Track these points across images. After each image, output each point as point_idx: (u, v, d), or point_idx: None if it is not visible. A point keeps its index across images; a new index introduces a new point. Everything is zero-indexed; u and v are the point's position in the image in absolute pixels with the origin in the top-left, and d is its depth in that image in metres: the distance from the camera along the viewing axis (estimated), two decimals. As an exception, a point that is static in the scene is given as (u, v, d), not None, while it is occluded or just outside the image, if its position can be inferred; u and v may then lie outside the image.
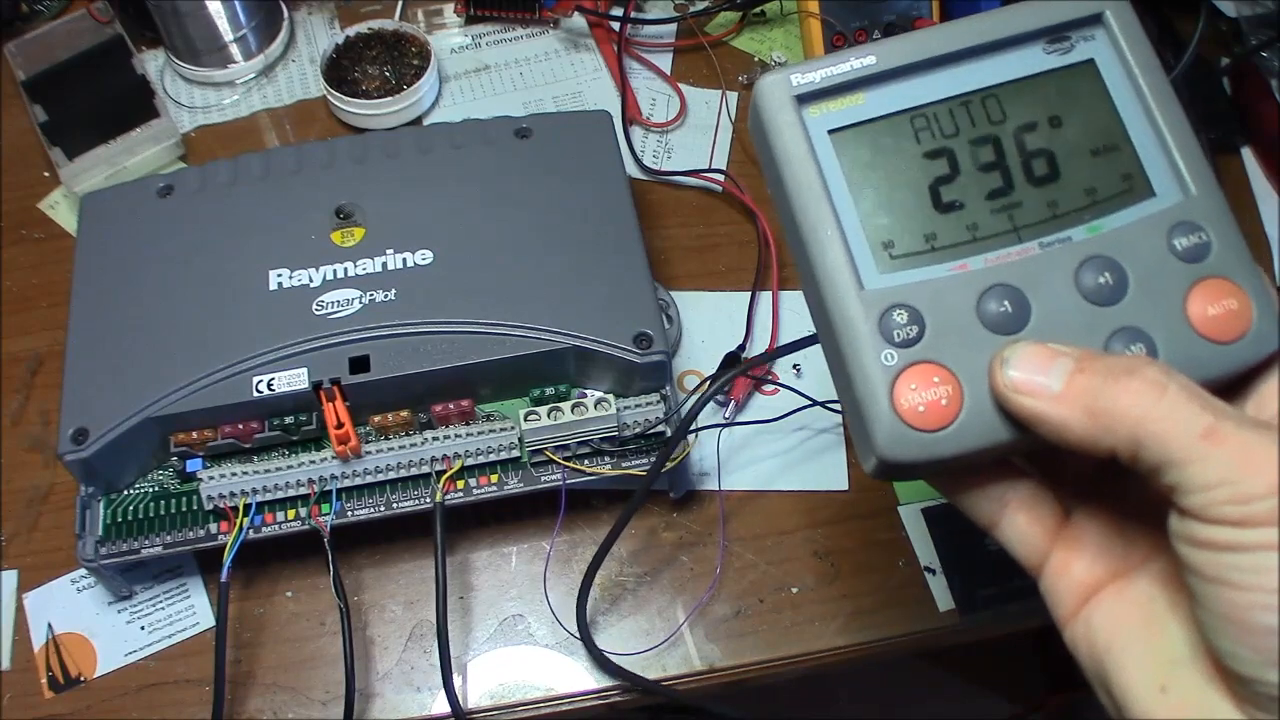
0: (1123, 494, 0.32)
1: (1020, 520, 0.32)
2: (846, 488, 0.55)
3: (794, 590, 0.52)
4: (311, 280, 0.52)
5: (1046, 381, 0.28)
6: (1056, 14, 0.32)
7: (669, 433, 0.50)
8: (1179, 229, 0.31)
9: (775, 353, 0.56)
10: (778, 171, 0.32)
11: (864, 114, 0.32)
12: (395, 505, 0.50)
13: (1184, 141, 0.32)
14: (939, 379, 0.30)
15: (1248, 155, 0.66)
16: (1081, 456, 0.29)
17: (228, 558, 0.48)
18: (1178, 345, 0.30)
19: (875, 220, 0.31)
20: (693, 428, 0.53)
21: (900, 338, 0.30)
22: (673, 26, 0.71)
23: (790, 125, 0.31)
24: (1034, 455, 0.33)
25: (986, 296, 0.30)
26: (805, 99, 0.32)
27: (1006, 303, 0.30)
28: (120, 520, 0.50)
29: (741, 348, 0.58)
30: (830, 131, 0.32)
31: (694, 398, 0.55)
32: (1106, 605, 0.30)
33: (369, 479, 0.49)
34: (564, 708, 0.50)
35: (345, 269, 0.52)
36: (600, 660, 0.50)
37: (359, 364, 0.49)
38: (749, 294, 0.60)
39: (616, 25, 0.67)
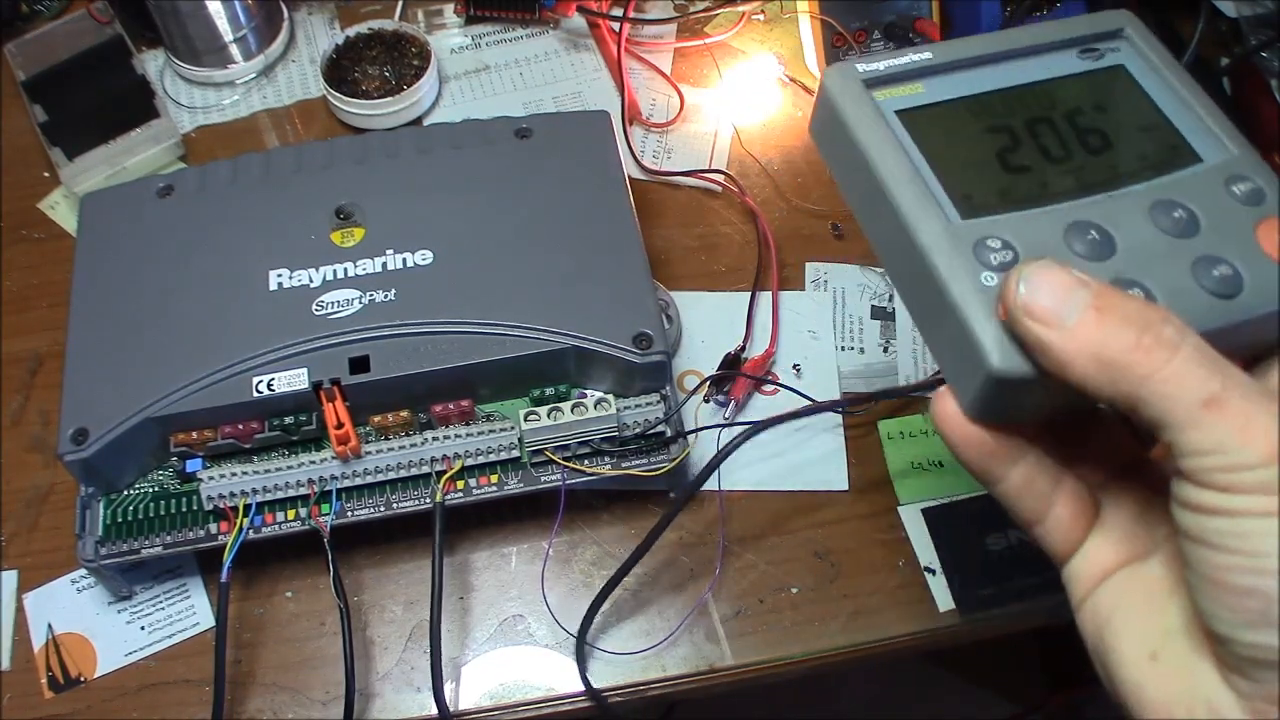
0: (1150, 479, 0.32)
1: (1064, 515, 0.32)
2: (846, 488, 0.55)
3: (794, 590, 0.52)
4: (311, 280, 0.52)
5: (1060, 312, 0.27)
6: (1082, 28, 0.36)
7: (669, 433, 0.50)
8: (1234, 179, 0.32)
9: (768, 372, 0.56)
10: (853, 145, 0.33)
11: (924, 99, 0.35)
12: (395, 505, 0.50)
13: (1217, 117, 0.34)
14: None
15: (1248, 155, 0.66)
16: (1117, 438, 0.30)
17: (228, 558, 0.48)
18: (1259, 271, 0.30)
19: (952, 179, 0.33)
20: (692, 428, 0.53)
21: (997, 261, 0.31)
22: (673, 26, 0.71)
23: (863, 102, 0.34)
24: (1073, 436, 0.33)
25: (1072, 230, 0.31)
26: (871, 84, 0.34)
27: (1093, 232, 0.31)
28: (120, 520, 0.50)
29: (741, 348, 0.58)
30: (897, 112, 0.34)
31: (694, 397, 0.55)
32: (1114, 581, 0.31)
33: (369, 479, 0.49)
34: (564, 708, 0.50)
35: (345, 269, 0.52)
36: (594, 674, 0.50)
37: (359, 364, 0.49)
38: (749, 294, 0.60)
39: (616, 25, 0.67)
